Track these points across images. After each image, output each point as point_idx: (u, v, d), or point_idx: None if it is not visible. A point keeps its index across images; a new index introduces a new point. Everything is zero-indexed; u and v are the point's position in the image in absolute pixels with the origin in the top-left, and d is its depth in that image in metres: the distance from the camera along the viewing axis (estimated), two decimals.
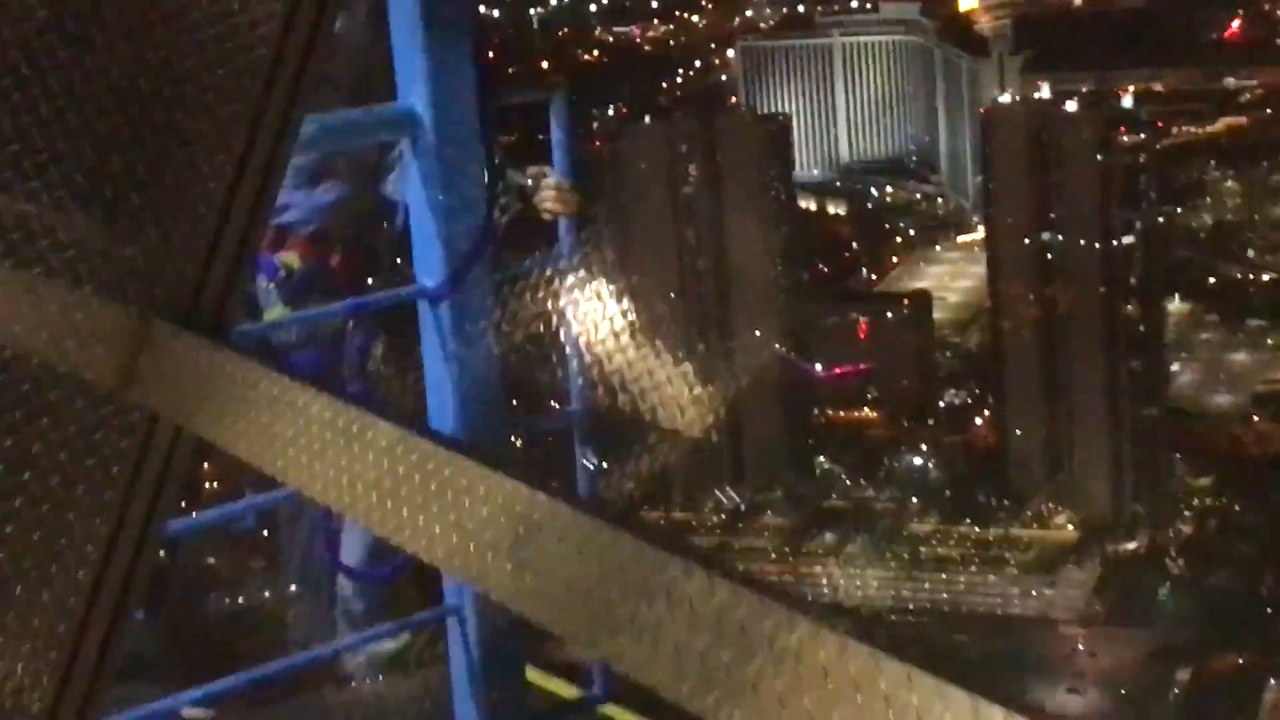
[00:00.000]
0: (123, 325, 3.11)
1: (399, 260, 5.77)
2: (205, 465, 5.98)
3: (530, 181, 5.86)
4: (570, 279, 5.83)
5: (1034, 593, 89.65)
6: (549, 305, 5.79)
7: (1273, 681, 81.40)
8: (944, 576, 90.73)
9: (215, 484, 6.33)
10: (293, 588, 7.11)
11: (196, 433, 3.03)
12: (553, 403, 6.31)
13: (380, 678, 6.57)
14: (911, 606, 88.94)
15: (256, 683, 5.79)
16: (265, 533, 7.33)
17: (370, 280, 6.44)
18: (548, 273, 5.78)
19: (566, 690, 6.56)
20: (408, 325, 5.63)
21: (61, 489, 3.20)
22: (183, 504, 5.38)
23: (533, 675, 6.27)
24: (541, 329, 5.81)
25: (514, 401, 6.15)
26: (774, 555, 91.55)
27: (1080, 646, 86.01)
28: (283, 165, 3.21)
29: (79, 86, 3.27)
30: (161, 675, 6.00)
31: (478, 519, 2.30)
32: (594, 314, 5.93)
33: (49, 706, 3.27)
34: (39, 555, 3.24)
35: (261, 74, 3.13)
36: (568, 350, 5.96)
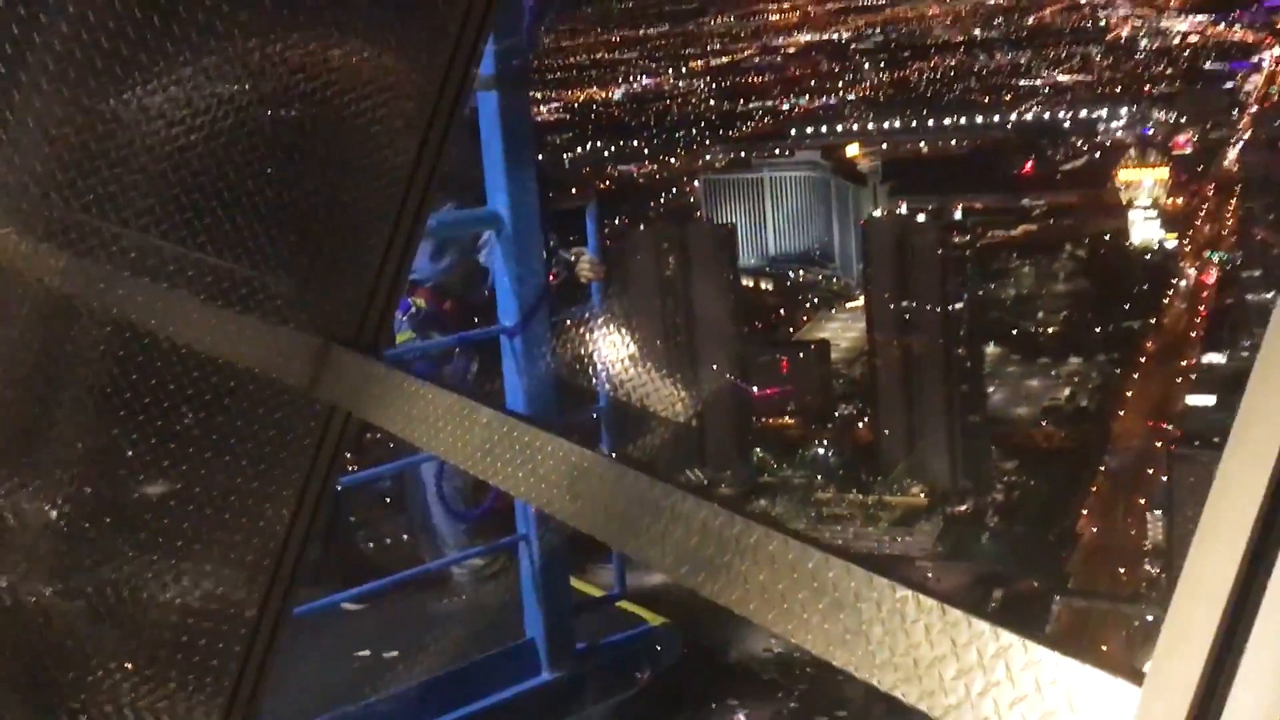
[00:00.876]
0: (311, 348, 3.12)
1: (490, 308, 5.83)
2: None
3: (573, 257, 5.92)
4: (599, 323, 5.90)
5: (898, 539, 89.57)
6: (585, 339, 5.86)
7: (1057, 598, 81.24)
8: (839, 529, 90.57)
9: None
10: (416, 524, 7.16)
11: (362, 417, 3.05)
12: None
13: (474, 584, 6.63)
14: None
15: (391, 585, 5.82)
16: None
17: (471, 320, 6.50)
18: (585, 317, 5.85)
19: (596, 591, 6.60)
20: (494, 351, 5.68)
21: (269, 455, 3.21)
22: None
23: (575, 582, 6.30)
24: (580, 354, 5.87)
25: (568, 402, 6.21)
26: None
27: (929, 575, 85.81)
28: (416, 240, 3.22)
29: (280, 181, 3.27)
30: (328, 580, 6.01)
31: (546, 467, 2.32)
32: (609, 347, 6.00)
33: (261, 600, 3.27)
34: (252, 501, 3.25)
35: (404, 176, 3.15)
36: (597, 367, 6.02)
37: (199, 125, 3.23)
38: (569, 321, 5.76)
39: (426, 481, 6.51)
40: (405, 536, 7.11)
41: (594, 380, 5.92)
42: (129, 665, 3.29)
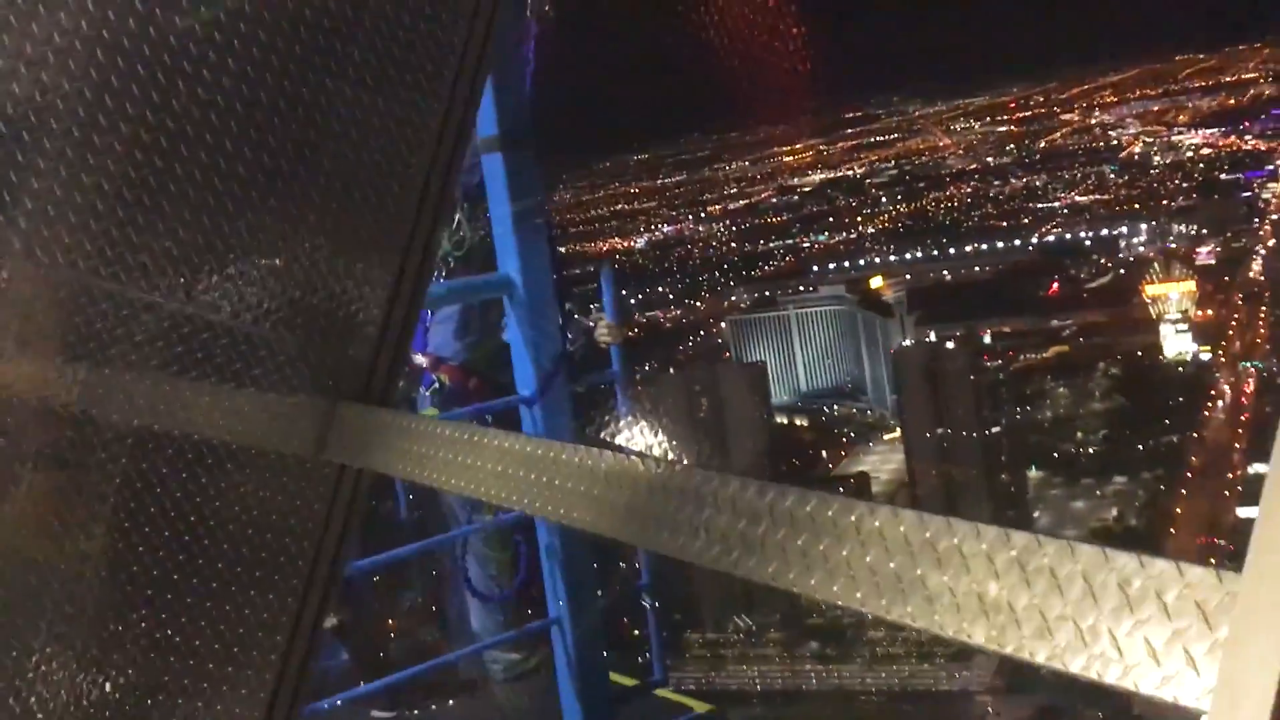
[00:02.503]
0: (317, 408, 3.00)
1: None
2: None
3: (591, 322, 5.80)
4: (620, 394, 5.76)
5: (955, 674, 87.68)
6: (609, 407, 5.71)
7: None
8: (894, 668, 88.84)
9: None
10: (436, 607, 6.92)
11: (373, 468, 2.91)
12: None
13: (508, 682, 6.35)
14: (874, 690, 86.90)
15: (421, 689, 5.58)
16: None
17: (494, 399, 6.36)
18: (605, 386, 5.70)
19: (634, 680, 6.32)
20: (513, 422, 5.52)
21: (280, 520, 3.07)
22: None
23: (612, 675, 6.05)
24: (605, 423, 5.72)
25: None
26: (778, 660, 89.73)
27: (990, 709, 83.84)
28: (421, 296, 3.12)
29: (276, 243, 3.18)
30: (348, 678, 5.76)
31: (563, 477, 2.17)
32: (641, 433, 5.86)
33: (270, 699, 3.09)
34: (261, 573, 3.09)
35: (404, 236, 3.07)
36: (618, 440, 5.86)
37: (197, 188, 3.16)
38: (589, 389, 5.61)
39: (448, 561, 6.31)
40: (427, 627, 6.87)
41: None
42: None
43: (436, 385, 6.36)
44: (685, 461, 1.84)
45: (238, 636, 3.17)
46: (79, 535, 3.40)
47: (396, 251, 3.06)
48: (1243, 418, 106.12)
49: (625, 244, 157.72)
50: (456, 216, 5.66)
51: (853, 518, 1.58)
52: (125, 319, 3.21)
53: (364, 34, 3.16)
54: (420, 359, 6.17)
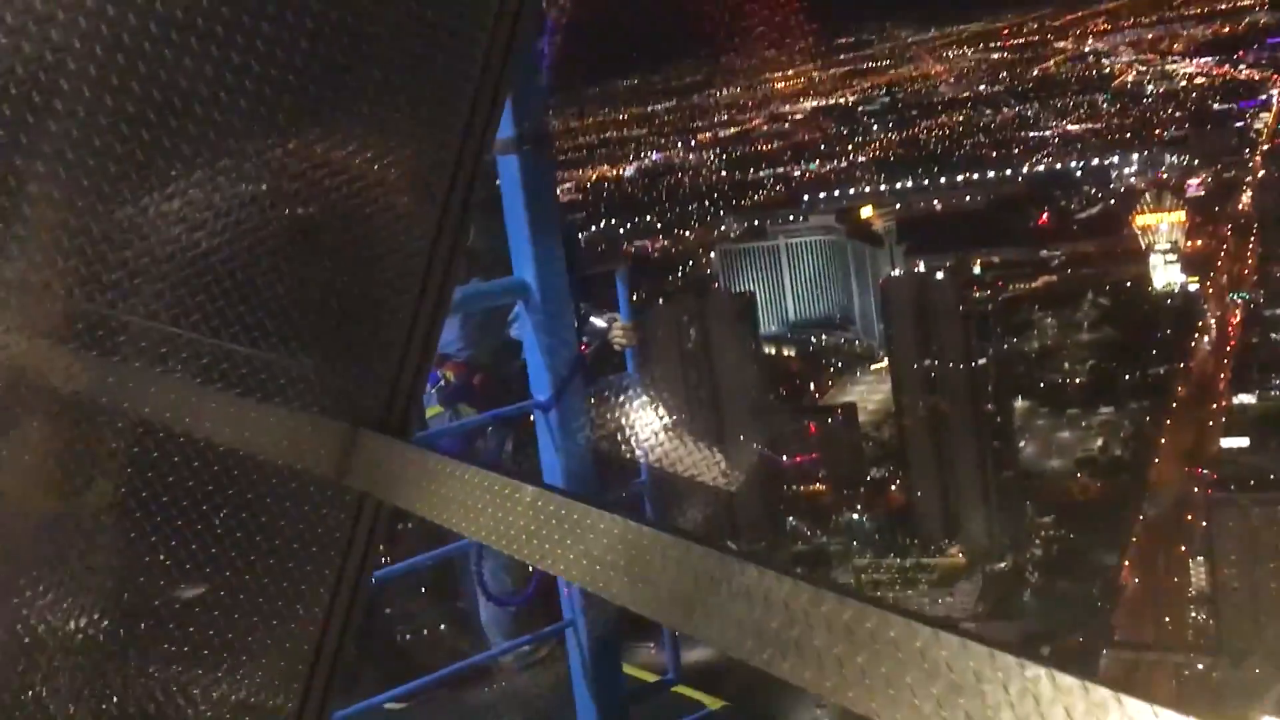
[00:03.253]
0: (338, 434, 2.95)
1: (521, 381, 5.60)
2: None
3: (605, 324, 5.73)
4: (637, 393, 5.70)
5: (938, 601, 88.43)
6: (623, 410, 5.65)
7: (1104, 651, 79.96)
8: (878, 594, 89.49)
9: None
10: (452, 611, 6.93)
11: (395, 503, 2.87)
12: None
13: (522, 672, 6.33)
14: None
15: (437, 681, 5.56)
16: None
17: (501, 394, 6.29)
18: (623, 387, 5.65)
19: (650, 677, 6.32)
20: (528, 428, 5.47)
21: (301, 548, 3.03)
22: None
23: (626, 668, 6.04)
24: (619, 426, 5.66)
25: (607, 477, 5.96)
26: None
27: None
28: (442, 315, 3.06)
29: (298, 264, 3.12)
30: (366, 677, 5.75)
31: (599, 547, 2.13)
32: (650, 417, 5.78)
33: (299, 704, 3.08)
34: (285, 597, 3.06)
35: (425, 250, 3.00)
36: (637, 439, 5.80)
37: (215, 214, 3.09)
38: (605, 392, 5.55)
39: (465, 567, 6.29)
40: (444, 627, 6.86)
41: (634, 453, 5.70)
42: None
43: (441, 381, 6.31)
44: (754, 564, 1.80)
45: (264, 650, 3.15)
46: (97, 541, 3.37)
47: (416, 274, 3.00)
48: (1228, 348, 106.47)
49: (614, 172, 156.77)
50: None
51: (920, 644, 1.54)
52: (143, 330, 3.16)
53: (381, 46, 3.07)
54: None
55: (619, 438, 5.67)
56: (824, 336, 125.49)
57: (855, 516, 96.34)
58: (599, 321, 5.67)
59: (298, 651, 3.03)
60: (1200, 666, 76.49)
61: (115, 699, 3.17)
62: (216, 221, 2.97)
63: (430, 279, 2.98)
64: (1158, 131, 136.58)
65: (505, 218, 5.03)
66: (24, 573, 3.43)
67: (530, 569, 5.85)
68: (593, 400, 5.36)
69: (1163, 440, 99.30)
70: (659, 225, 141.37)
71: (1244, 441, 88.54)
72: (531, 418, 5.30)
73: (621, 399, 5.65)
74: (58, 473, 3.42)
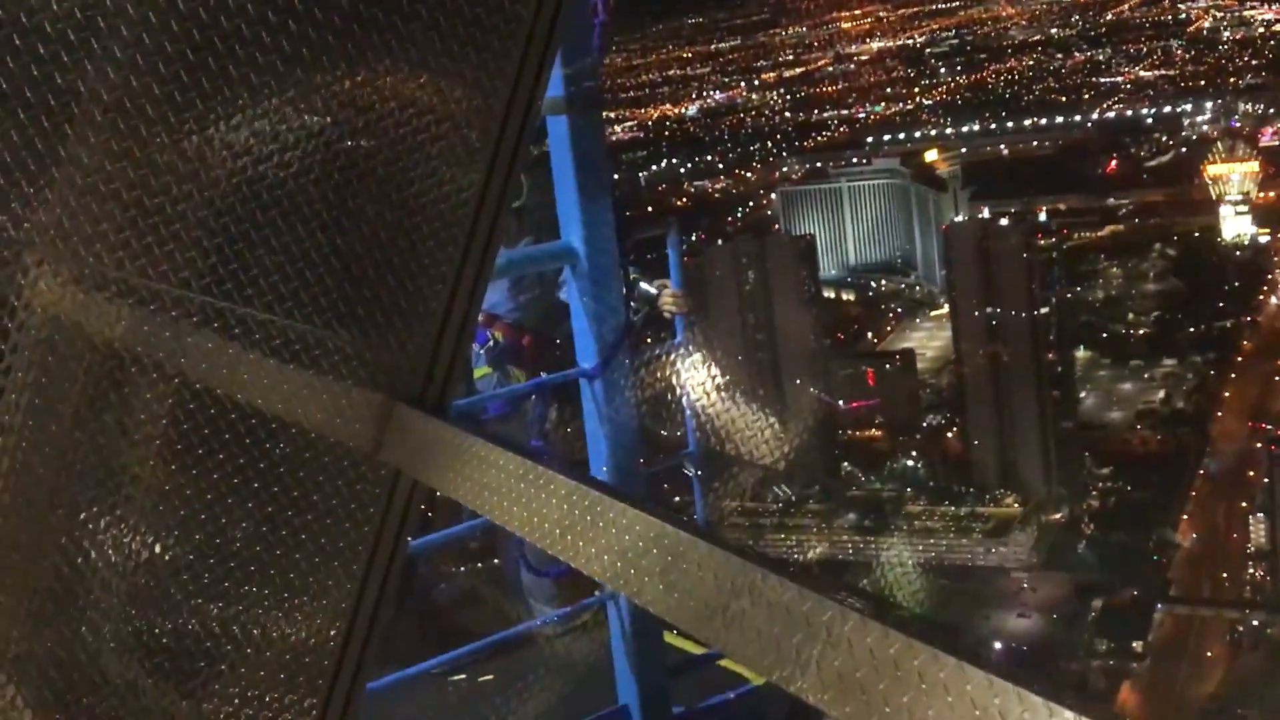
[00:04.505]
0: (374, 407, 2.90)
1: (570, 344, 5.50)
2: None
3: (655, 291, 5.61)
4: (685, 360, 5.59)
5: (992, 550, 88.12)
6: (672, 378, 5.55)
7: (1159, 605, 79.46)
8: (931, 541, 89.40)
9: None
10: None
11: (428, 484, 2.81)
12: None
13: (564, 638, 6.28)
14: (910, 563, 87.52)
15: (479, 650, 5.54)
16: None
17: (550, 355, 6.21)
18: (670, 356, 5.54)
19: (695, 648, 6.25)
20: (573, 396, 5.38)
21: (335, 522, 2.99)
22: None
23: (669, 637, 5.99)
24: (667, 395, 5.56)
25: (654, 447, 5.87)
26: (815, 531, 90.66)
27: (1025, 585, 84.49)
28: (483, 286, 2.98)
29: (340, 230, 3.05)
30: (411, 649, 5.73)
31: (633, 548, 2.06)
32: (695, 381, 5.68)
33: (332, 675, 3.06)
34: (317, 571, 3.03)
35: (468, 217, 2.92)
36: (684, 409, 5.70)
37: (254, 179, 3.03)
38: (654, 361, 5.43)
39: (509, 537, 6.24)
40: (483, 598, 6.85)
41: (681, 423, 5.60)
42: None
43: (490, 342, 6.24)
44: (779, 575, 1.72)
45: (297, 618, 3.12)
46: (135, 499, 3.36)
47: (459, 241, 2.92)
48: None
49: (676, 110, 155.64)
50: None
51: (917, 661, 1.46)
52: (182, 297, 3.12)
53: (425, 7, 2.97)
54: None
55: (666, 407, 5.58)
56: (884, 281, 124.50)
57: (910, 463, 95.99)
58: (648, 288, 5.55)
59: (331, 623, 3.01)
60: (1255, 623, 75.77)
61: (152, 657, 3.17)
62: (253, 188, 2.91)
63: (473, 246, 2.91)
64: (1232, 79, 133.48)
65: (554, 180, 4.92)
66: (63, 526, 3.43)
67: None
68: (640, 369, 5.26)
69: (1226, 395, 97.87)
70: (720, 165, 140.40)
71: None
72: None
73: (669, 368, 5.55)
74: (101, 430, 3.40)
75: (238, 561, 3.18)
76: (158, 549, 3.31)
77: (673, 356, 5.50)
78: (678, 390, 5.55)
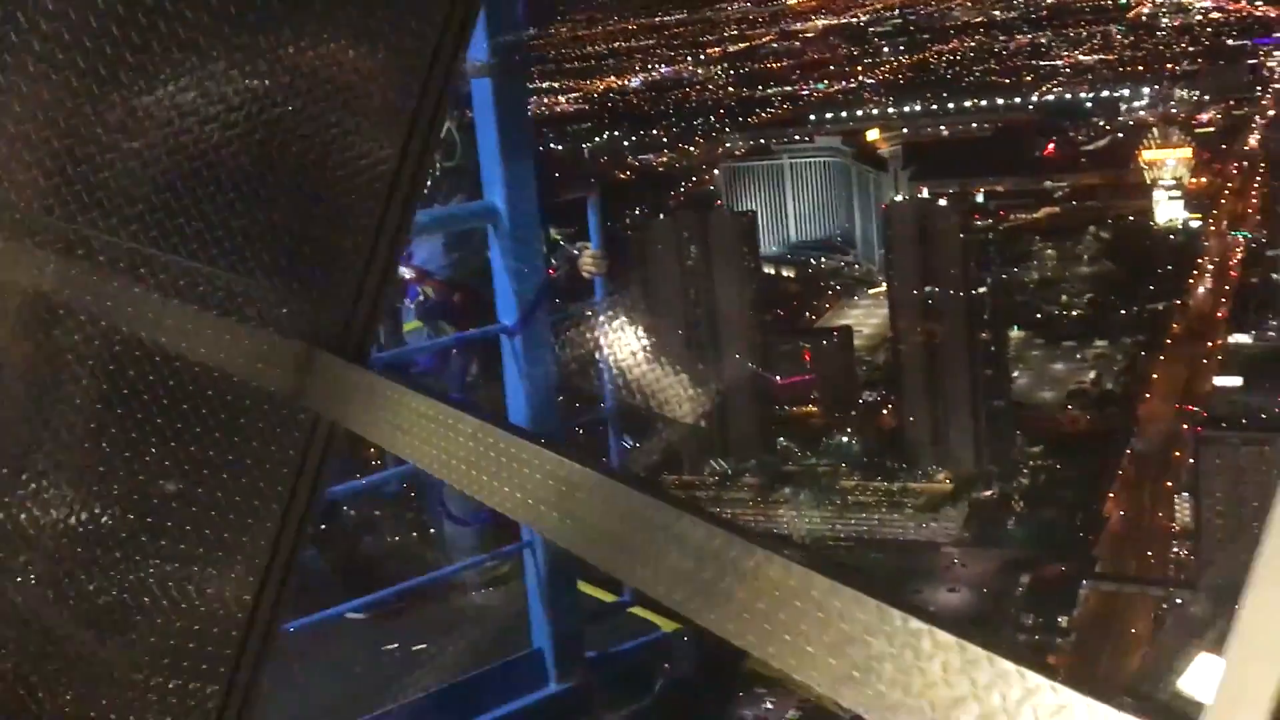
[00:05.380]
0: (296, 354, 2.99)
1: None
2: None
3: (576, 251, 5.73)
4: (603, 318, 5.72)
5: (924, 525, 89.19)
6: (590, 336, 5.68)
7: (1085, 582, 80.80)
8: (864, 516, 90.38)
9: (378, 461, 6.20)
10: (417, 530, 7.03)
11: (346, 426, 2.92)
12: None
13: (482, 588, 6.43)
14: (843, 536, 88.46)
15: (396, 595, 5.67)
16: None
17: (480, 313, 6.32)
18: (588, 314, 5.67)
19: (607, 596, 6.41)
20: (494, 351, 5.49)
21: (255, 464, 3.09)
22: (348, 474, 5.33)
23: (583, 586, 6.13)
24: (585, 352, 5.69)
25: (572, 402, 6.01)
26: (751, 504, 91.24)
27: (955, 561, 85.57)
28: (403, 243, 3.09)
29: (263, 183, 3.13)
30: (330, 589, 5.84)
31: (532, 481, 2.19)
32: (619, 342, 5.81)
33: (249, 614, 3.15)
34: (238, 510, 3.13)
35: (389, 173, 3.02)
36: (602, 366, 5.83)
37: (181, 130, 3.11)
38: (572, 319, 5.56)
39: (430, 486, 6.37)
40: (405, 546, 6.96)
41: (600, 379, 5.74)
42: (113, 683, 3.17)
43: (421, 297, 6.33)
44: (660, 500, 1.85)
45: (216, 557, 3.21)
46: (59, 447, 3.43)
47: (379, 196, 3.02)
48: (1226, 288, 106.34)
49: (621, 83, 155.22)
50: (445, 125, 5.55)
51: (815, 593, 1.60)
52: (108, 244, 3.19)
53: None
54: (406, 271, 6.12)
55: (584, 364, 5.70)
56: (824, 259, 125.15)
57: (845, 439, 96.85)
58: (569, 248, 5.67)
59: (250, 563, 3.10)
60: (1179, 601, 77.34)
61: (73, 598, 3.25)
62: (180, 139, 2.98)
63: (394, 199, 3.00)
64: (1169, 65, 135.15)
65: (478, 142, 5.02)
66: None
67: None
68: (558, 327, 5.38)
69: (1155, 377, 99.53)
70: (664, 139, 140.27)
71: (1237, 381, 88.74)
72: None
73: (587, 326, 5.67)
74: (24, 378, 3.47)
75: (159, 504, 3.26)
76: (81, 493, 3.38)
77: (591, 316, 5.62)
78: (595, 348, 5.69)
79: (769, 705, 62.64)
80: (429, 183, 5.87)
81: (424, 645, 5.92)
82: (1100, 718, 1.31)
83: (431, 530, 6.84)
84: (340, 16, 3.04)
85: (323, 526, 6.52)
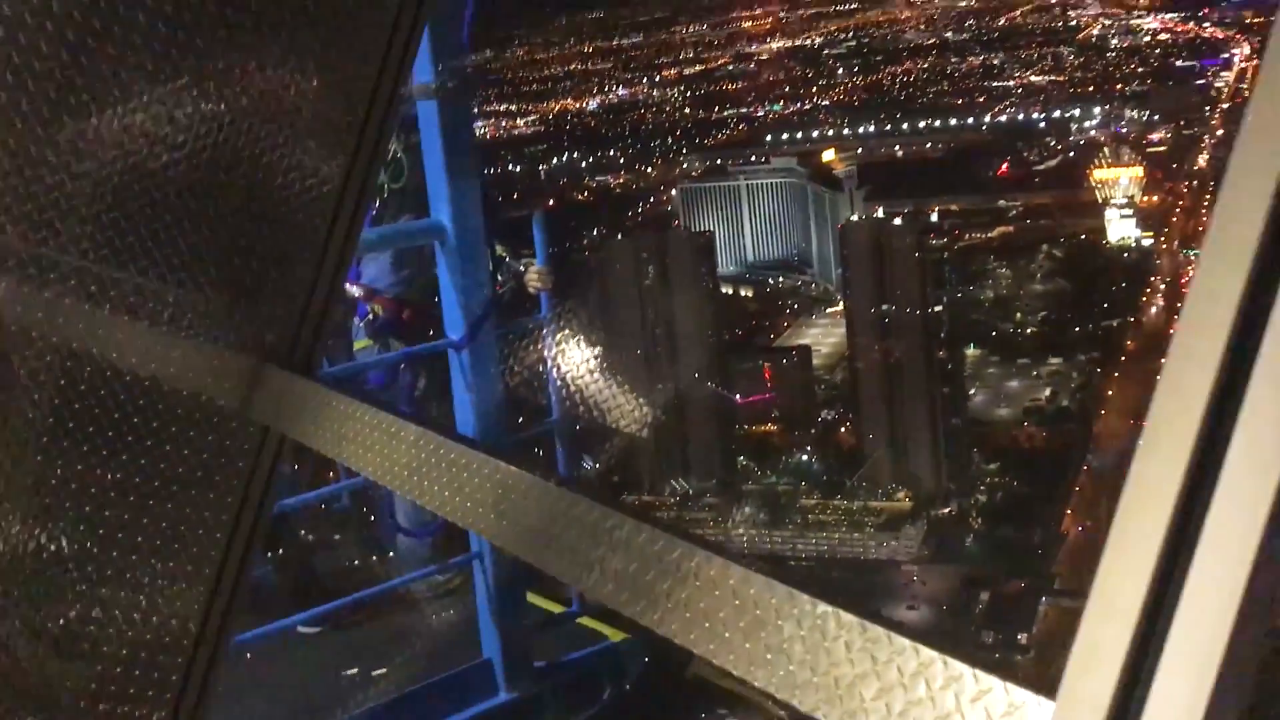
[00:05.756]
0: (244, 367, 3.06)
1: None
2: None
3: (522, 268, 5.84)
4: (549, 333, 5.82)
5: (883, 544, 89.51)
6: (536, 351, 5.78)
7: (1044, 598, 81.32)
8: (824, 534, 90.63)
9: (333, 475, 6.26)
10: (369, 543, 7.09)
11: (294, 438, 2.99)
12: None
13: (433, 601, 6.52)
14: (804, 555, 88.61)
15: (345, 607, 5.74)
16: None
17: (427, 330, 6.40)
18: (534, 329, 5.77)
19: (555, 607, 6.51)
20: (441, 366, 5.59)
21: (204, 478, 3.15)
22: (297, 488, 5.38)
23: (532, 597, 6.21)
24: (532, 366, 5.79)
25: (519, 417, 6.08)
26: (711, 524, 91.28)
27: (915, 578, 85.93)
28: (350, 254, 3.16)
29: (212, 199, 3.21)
30: (284, 605, 5.90)
31: (470, 484, 2.28)
32: (566, 357, 5.91)
33: (198, 628, 3.20)
34: (187, 524, 3.19)
35: (336, 190, 3.09)
36: (549, 380, 5.93)
37: (130, 151, 3.17)
38: (518, 334, 5.67)
39: (380, 500, 6.45)
40: (357, 560, 7.02)
41: (548, 392, 5.84)
42: (60, 705, 3.21)
43: (370, 315, 6.42)
44: (589, 500, 1.94)
45: (165, 573, 3.27)
46: (6, 463, 3.47)
47: (326, 212, 3.10)
48: (1179, 305, 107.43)
49: (578, 105, 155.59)
50: (392, 146, 5.65)
51: (731, 582, 1.69)
52: (55, 260, 3.24)
53: None
54: (355, 290, 6.21)
55: (531, 378, 5.80)
56: (781, 278, 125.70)
57: (805, 458, 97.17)
58: (515, 264, 5.78)
59: (199, 576, 3.16)
60: None
61: (18, 620, 3.29)
62: (128, 155, 3.05)
63: (340, 217, 3.09)
64: (1120, 86, 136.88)
65: (424, 161, 5.12)
66: None
67: None
68: (505, 341, 5.47)
69: (1109, 393, 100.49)
70: (621, 161, 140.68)
71: None
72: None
73: (533, 341, 5.77)
74: None
75: (107, 521, 3.31)
76: (28, 510, 3.43)
77: (536, 331, 5.73)
78: (542, 362, 5.79)
79: None
80: (378, 203, 5.96)
81: (375, 657, 5.98)
82: (984, 685, 1.39)
83: (383, 544, 6.91)
84: (287, 39, 3.12)
85: (274, 545, 6.58)
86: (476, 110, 5.29)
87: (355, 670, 5.91)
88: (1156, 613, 1.22)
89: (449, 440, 2.36)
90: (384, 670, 5.73)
